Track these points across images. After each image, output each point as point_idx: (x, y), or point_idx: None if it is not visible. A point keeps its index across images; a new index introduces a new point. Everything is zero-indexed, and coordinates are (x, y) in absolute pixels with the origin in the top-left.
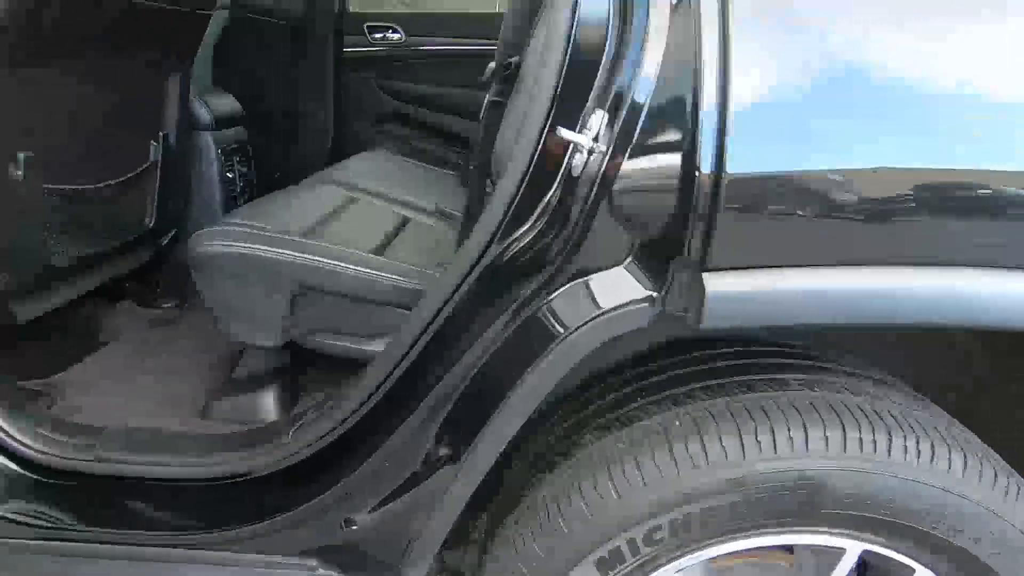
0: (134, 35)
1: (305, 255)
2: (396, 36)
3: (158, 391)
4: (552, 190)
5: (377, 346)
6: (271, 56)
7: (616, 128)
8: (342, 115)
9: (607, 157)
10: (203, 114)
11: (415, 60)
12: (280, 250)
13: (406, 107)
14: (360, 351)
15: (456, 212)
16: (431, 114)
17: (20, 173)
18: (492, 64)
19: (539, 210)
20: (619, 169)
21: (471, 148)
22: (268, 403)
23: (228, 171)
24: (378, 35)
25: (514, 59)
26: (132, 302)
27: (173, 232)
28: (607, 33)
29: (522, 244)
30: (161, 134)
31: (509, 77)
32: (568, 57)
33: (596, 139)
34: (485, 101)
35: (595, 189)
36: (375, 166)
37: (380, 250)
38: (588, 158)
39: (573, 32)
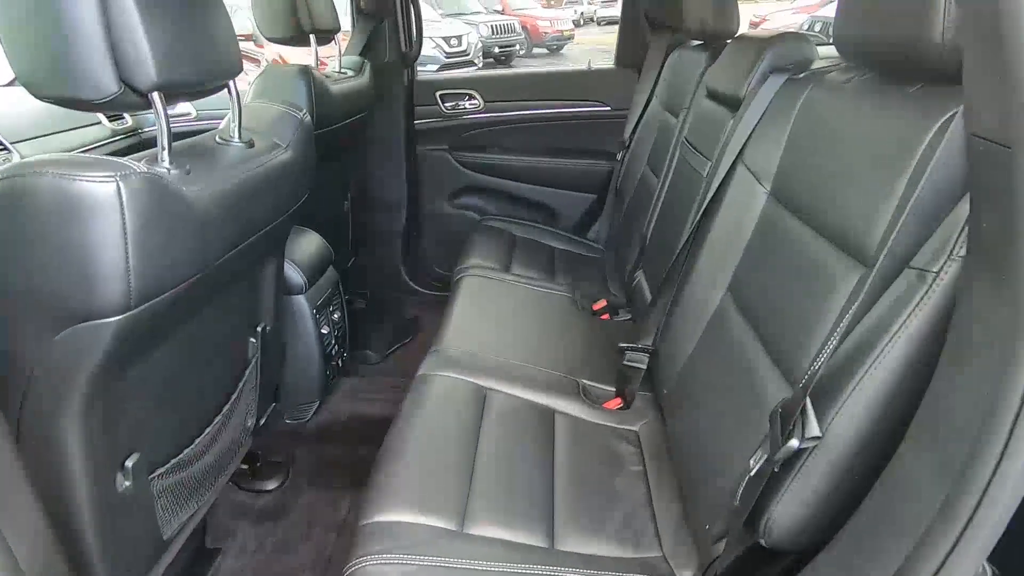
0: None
1: None
2: (473, 103)
3: None
4: None
5: None
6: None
7: None
8: (415, 194)
9: None
10: (295, 278)
11: (493, 127)
12: None
13: (484, 179)
14: None
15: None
16: (512, 184)
17: (128, 483)
18: None
19: None
20: None
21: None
22: None
23: (323, 325)
24: (449, 104)
25: None
26: (232, 483)
27: (271, 409)
28: None
29: None
30: (259, 329)
31: None
32: None
33: None
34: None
35: None
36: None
37: None
38: None
39: None
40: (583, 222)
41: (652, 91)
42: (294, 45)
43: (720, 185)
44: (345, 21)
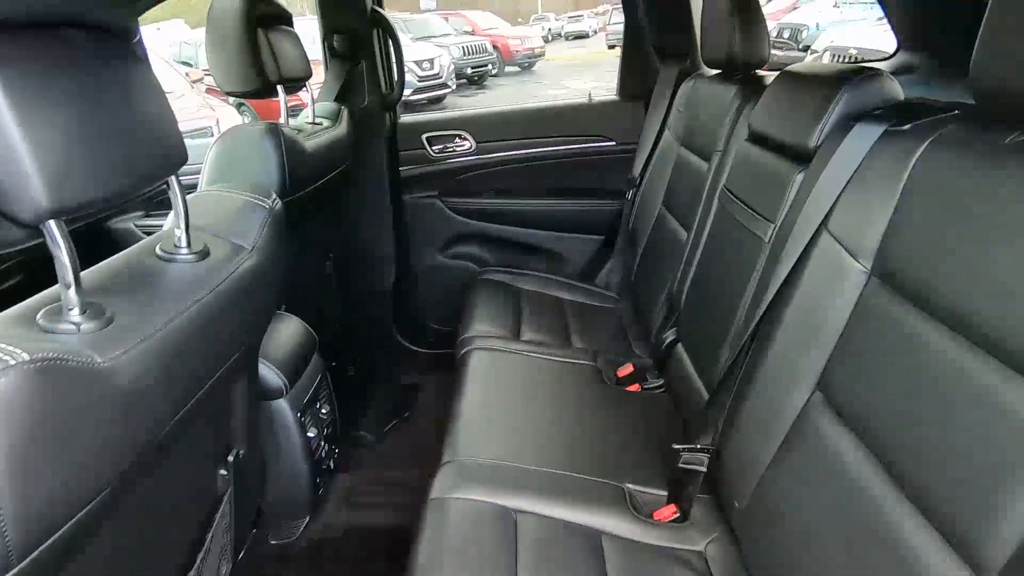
0: None
1: None
2: (463, 145)
3: None
4: None
5: None
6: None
7: None
8: (405, 246)
9: None
10: (272, 380)
11: (487, 170)
12: None
13: (480, 225)
14: None
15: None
16: (511, 230)
17: None
18: None
19: None
20: None
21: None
22: None
23: (310, 428)
24: (438, 147)
25: None
26: None
27: (251, 538)
28: None
29: None
30: (230, 459)
31: None
32: None
33: None
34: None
35: None
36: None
37: None
38: None
39: None
40: (591, 267)
41: (663, 124)
42: (259, 98)
43: (799, 257)
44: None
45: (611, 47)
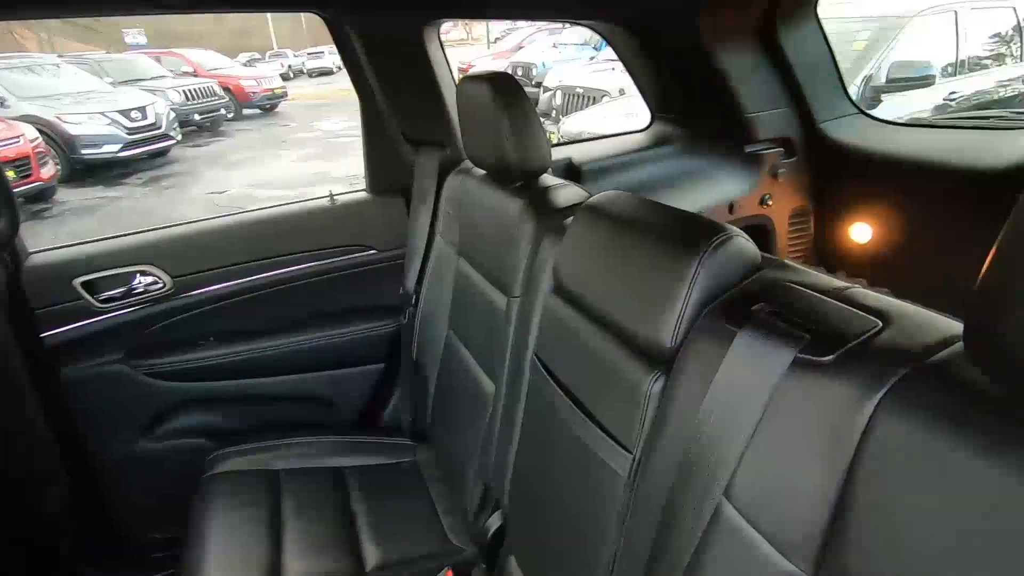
0: None
1: None
2: (153, 283)
3: None
4: None
5: None
6: None
7: None
8: (77, 445)
9: None
10: None
11: (198, 311)
12: None
13: (203, 387)
14: None
15: None
16: (252, 383)
17: None
18: None
19: None
20: None
21: None
22: None
23: None
24: (107, 294)
25: None
26: None
27: None
28: None
29: None
30: None
31: None
32: None
33: None
34: None
35: None
36: None
37: None
38: None
39: None
40: (375, 405)
41: (432, 225)
42: None
43: (703, 537)
44: None
45: None
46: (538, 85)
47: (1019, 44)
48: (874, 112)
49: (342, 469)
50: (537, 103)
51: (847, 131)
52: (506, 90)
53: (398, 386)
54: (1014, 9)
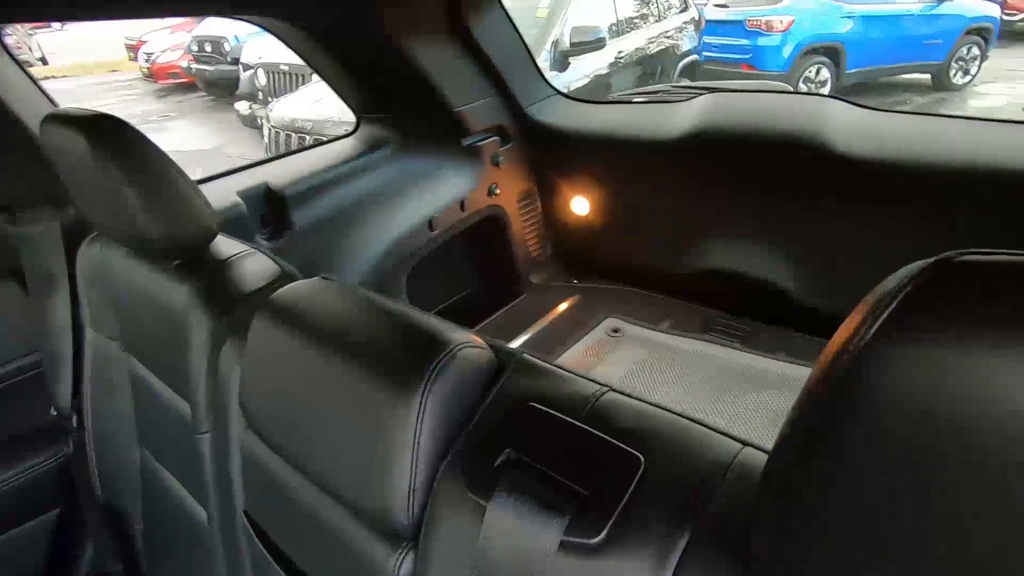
0: None
1: None
2: None
3: None
4: None
5: None
6: None
7: None
8: None
9: None
10: None
11: None
12: None
13: None
14: None
15: None
16: None
17: None
18: None
19: None
20: None
21: None
22: None
23: None
24: None
25: None
26: None
27: None
28: None
29: None
30: None
31: None
32: None
33: None
34: None
35: None
36: None
37: None
38: None
39: None
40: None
41: (76, 317)
42: None
43: None
44: None
45: None
46: (235, 62)
47: (656, 3)
48: (566, 74)
49: None
50: (238, 84)
51: (550, 113)
52: (115, 142)
53: (88, 538)
54: None
